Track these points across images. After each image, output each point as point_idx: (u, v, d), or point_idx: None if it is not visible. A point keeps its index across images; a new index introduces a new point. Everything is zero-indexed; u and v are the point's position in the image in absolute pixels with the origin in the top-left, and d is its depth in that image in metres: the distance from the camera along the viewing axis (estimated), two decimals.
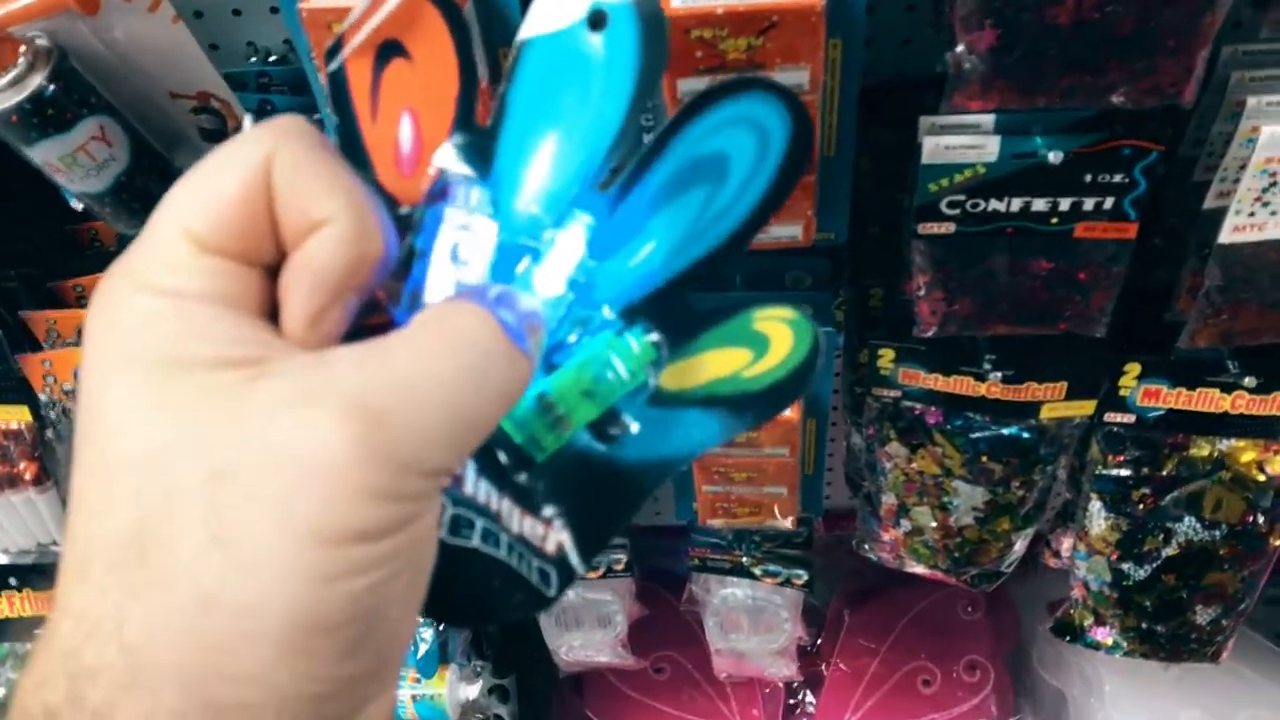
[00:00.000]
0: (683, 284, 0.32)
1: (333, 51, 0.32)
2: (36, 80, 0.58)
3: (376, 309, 0.31)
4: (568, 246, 0.32)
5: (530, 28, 0.31)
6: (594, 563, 0.29)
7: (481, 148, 0.32)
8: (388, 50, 0.32)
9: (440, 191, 0.32)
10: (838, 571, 1.32)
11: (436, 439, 0.26)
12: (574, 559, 0.33)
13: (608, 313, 0.32)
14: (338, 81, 0.32)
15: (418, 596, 0.28)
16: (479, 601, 0.32)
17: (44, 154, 0.60)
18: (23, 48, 0.58)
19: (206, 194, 0.27)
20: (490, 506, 0.33)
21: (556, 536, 0.32)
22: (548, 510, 0.33)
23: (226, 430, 0.24)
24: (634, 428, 0.32)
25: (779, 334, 0.32)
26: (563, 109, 0.31)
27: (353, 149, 0.32)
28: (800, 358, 0.32)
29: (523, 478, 0.33)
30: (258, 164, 0.27)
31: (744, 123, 0.31)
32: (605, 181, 0.32)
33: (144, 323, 0.26)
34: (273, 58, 0.82)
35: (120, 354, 0.26)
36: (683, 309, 0.32)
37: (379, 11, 0.32)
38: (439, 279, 0.31)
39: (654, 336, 0.32)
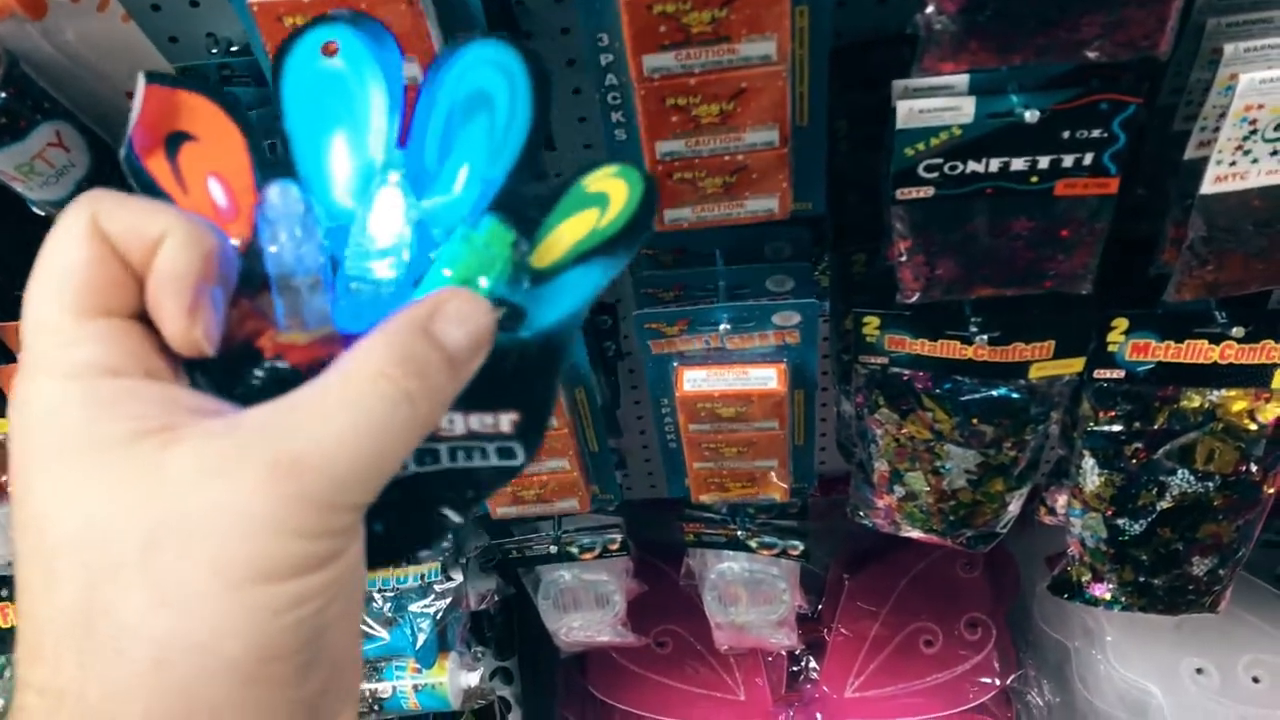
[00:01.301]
0: (511, 187, 0.35)
1: (128, 154, 0.35)
2: None
3: (252, 319, 0.33)
4: (391, 195, 0.35)
5: (278, 70, 0.36)
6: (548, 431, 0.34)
7: (281, 170, 0.36)
8: (174, 140, 0.36)
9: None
10: (836, 536, 1.32)
11: (350, 482, 0.28)
12: (533, 424, 0.35)
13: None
14: (140, 176, 0.35)
15: (356, 615, 0.31)
16: (429, 521, 0.35)
17: (0, 164, 0.59)
18: None
19: (61, 268, 0.29)
20: None
21: (508, 416, 0.35)
22: (488, 402, 0.35)
23: (153, 501, 0.27)
24: (526, 309, 0.35)
25: (613, 186, 0.35)
26: (335, 112, 0.36)
27: None
28: (639, 194, 0.35)
29: None
30: (86, 225, 0.29)
31: (486, 64, 0.35)
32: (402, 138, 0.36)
33: (57, 411, 0.28)
34: (234, 48, 0.80)
35: (41, 445, 0.28)
36: (519, 203, 0.35)
37: (134, 112, 0.35)
38: (289, 266, 0.33)
39: (507, 222, 0.35)
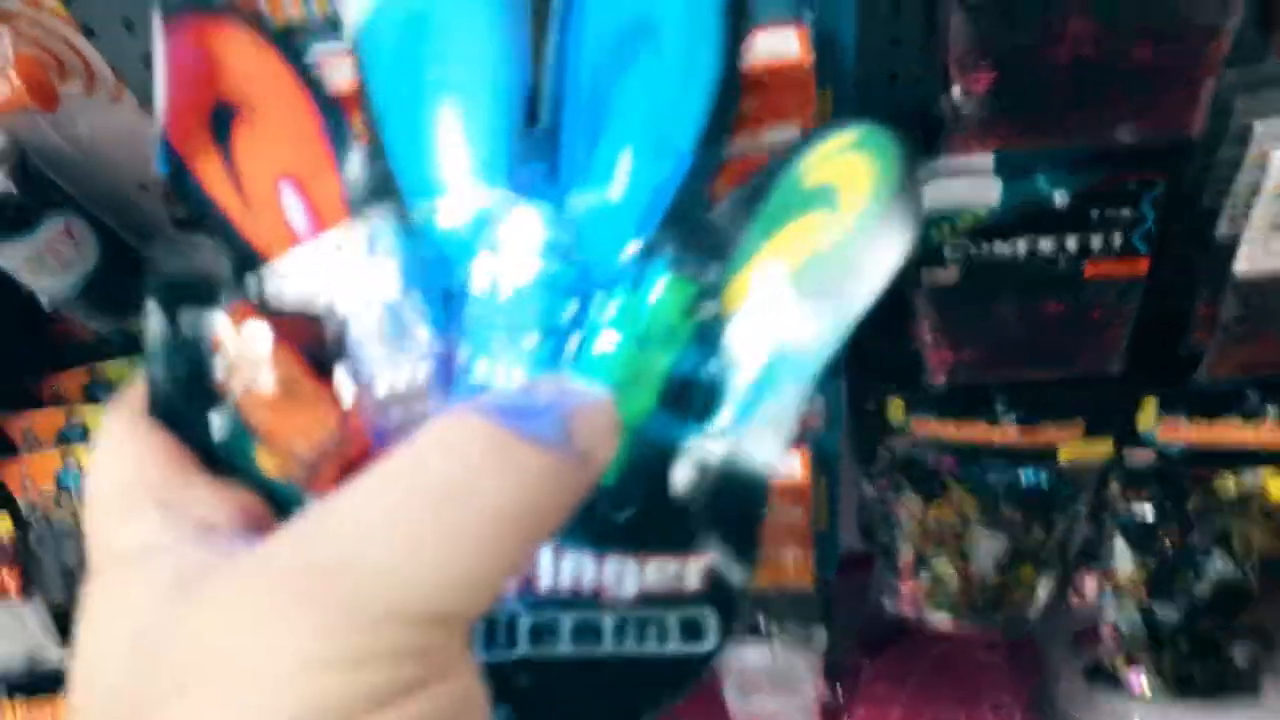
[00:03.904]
0: (694, 184, 0.25)
1: (170, 165, 0.26)
2: None
3: (348, 441, 0.26)
4: (522, 220, 0.26)
5: (357, 15, 0.26)
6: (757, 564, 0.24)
7: (374, 172, 0.27)
8: (222, 119, 0.27)
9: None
10: (854, 617, 1.29)
11: (416, 582, 0.21)
12: (734, 576, 0.25)
13: (630, 251, 0.26)
14: (187, 189, 0.26)
15: None
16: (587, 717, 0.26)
17: (7, 257, 0.57)
18: None
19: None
20: (584, 586, 0.26)
21: (699, 561, 0.25)
22: (676, 535, 0.25)
23: (177, 648, 0.21)
24: (720, 386, 0.25)
25: (844, 169, 0.24)
26: (438, 73, 0.26)
27: (242, 256, 0.27)
28: (894, 173, 0.24)
29: (621, 513, 0.26)
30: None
31: None
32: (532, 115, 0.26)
33: (106, 585, 0.24)
34: None
35: (91, 615, 0.24)
36: (708, 213, 0.25)
37: (160, 88, 0.25)
38: (386, 373, 0.26)
39: (685, 269, 0.25)
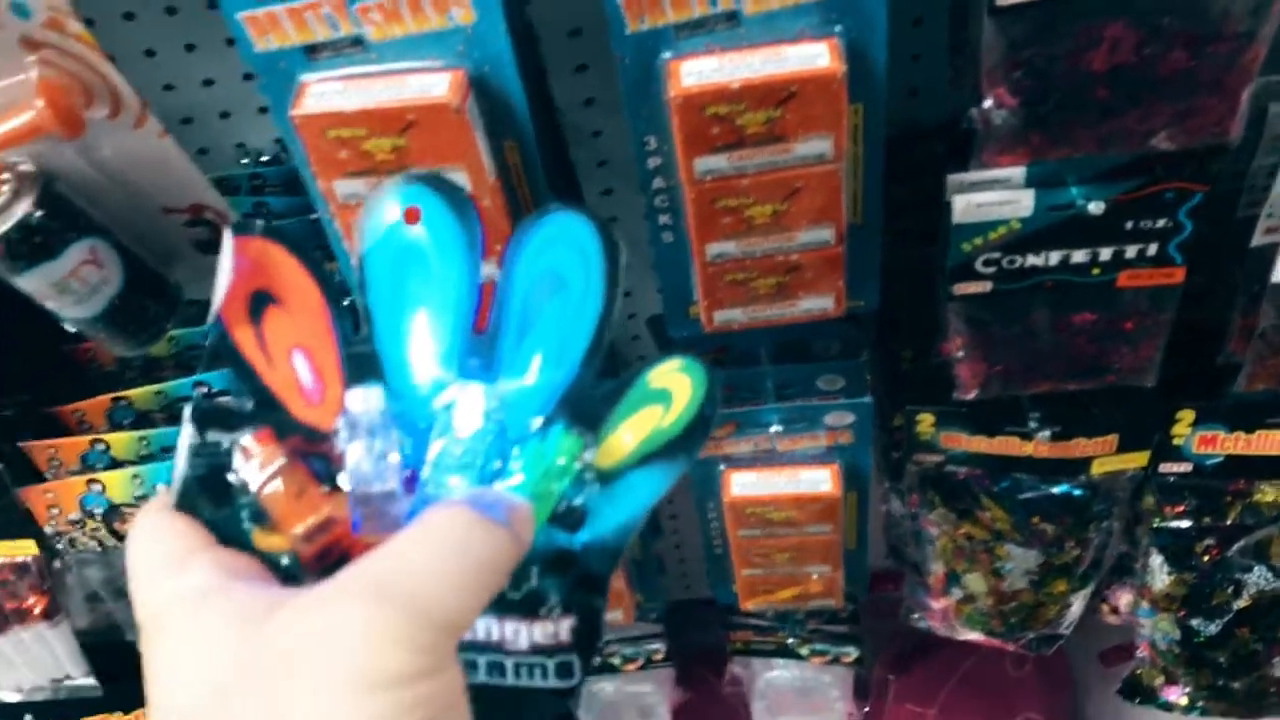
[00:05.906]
0: (581, 380, 0.37)
1: (217, 326, 0.37)
2: (22, 208, 0.55)
3: (333, 526, 0.36)
4: (469, 393, 0.37)
5: (362, 243, 0.38)
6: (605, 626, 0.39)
7: (366, 354, 0.38)
8: (259, 302, 0.37)
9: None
10: (879, 634, 1.27)
11: (441, 598, 0.31)
12: (589, 632, 0.38)
13: (536, 423, 0.37)
14: (227, 349, 0.37)
15: None
16: None
17: (33, 283, 0.57)
18: (6, 175, 0.55)
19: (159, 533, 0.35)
20: (491, 638, 0.38)
21: (566, 624, 0.37)
22: (549, 605, 0.37)
23: (261, 649, 0.30)
24: (589, 510, 0.37)
25: (676, 382, 0.36)
26: (416, 291, 0.38)
27: (263, 399, 0.37)
28: (702, 391, 0.36)
29: (518, 592, 0.37)
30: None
31: (559, 241, 0.37)
32: (479, 322, 0.38)
33: (184, 610, 0.32)
34: (264, 158, 0.80)
35: (168, 633, 0.32)
36: (588, 398, 0.37)
37: (223, 275, 0.36)
38: (366, 476, 0.36)
39: (574, 430, 0.37)
